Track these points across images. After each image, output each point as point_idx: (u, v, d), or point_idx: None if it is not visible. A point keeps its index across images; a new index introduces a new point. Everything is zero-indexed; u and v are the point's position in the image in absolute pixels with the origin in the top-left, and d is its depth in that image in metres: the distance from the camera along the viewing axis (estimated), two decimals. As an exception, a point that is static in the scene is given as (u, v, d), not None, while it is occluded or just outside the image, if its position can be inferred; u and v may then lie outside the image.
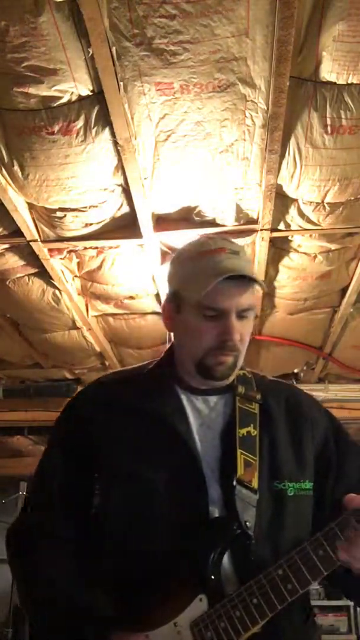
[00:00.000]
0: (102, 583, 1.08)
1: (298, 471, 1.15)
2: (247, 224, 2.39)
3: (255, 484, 1.09)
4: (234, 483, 1.08)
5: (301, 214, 2.32)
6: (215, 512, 1.08)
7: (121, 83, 1.69)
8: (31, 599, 1.14)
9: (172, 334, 1.27)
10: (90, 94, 1.77)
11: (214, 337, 1.13)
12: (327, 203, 2.23)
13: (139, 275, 2.83)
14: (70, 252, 2.63)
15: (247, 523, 1.06)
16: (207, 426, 1.16)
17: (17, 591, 1.22)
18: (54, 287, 2.95)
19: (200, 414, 1.18)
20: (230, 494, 1.08)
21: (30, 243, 2.51)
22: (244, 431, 1.15)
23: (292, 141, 1.94)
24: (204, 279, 1.10)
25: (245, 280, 1.13)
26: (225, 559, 1.05)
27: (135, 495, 1.10)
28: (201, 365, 1.15)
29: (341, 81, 1.72)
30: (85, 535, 1.14)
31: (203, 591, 1.01)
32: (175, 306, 1.19)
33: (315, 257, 2.66)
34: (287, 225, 2.41)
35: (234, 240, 1.31)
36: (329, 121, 1.83)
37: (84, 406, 1.25)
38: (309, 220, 2.35)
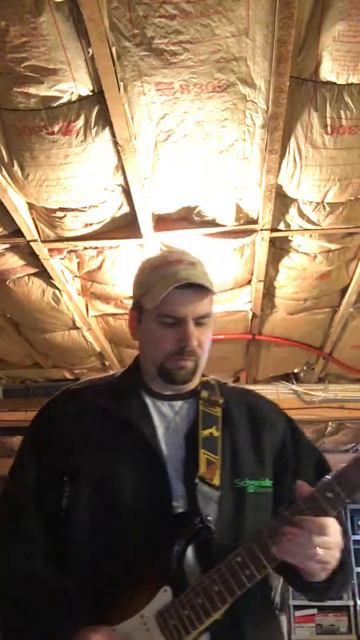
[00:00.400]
0: (71, 579, 1.13)
1: (258, 470, 1.24)
2: (247, 224, 2.39)
3: (216, 481, 1.17)
4: (196, 480, 1.16)
5: (301, 214, 2.32)
6: (179, 508, 1.15)
7: (121, 83, 1.69)
8: (0, 596, 1.18)
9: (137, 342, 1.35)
10: (90, 94, 1.77)
11: (172, 343, 1.21)
12: (327, 203, 2.23)
13: (139, 275, 2.83)
14: (70, 252, 2.63)
15: (209, 517, 1.12)
16: (172, 429, 1.25)
17: None
18: (54, 287, 2.95)
19: (166, 418, 1.26)
20: (193, 491, 1.15)
21: (30, 243, 2.51)
22: (206, 432, 1.23)
23: (292, 141, 1.94)
24: (161, 287, 1.19)
25: (201, 289, 1.20)
26: (189, 551, 1.11)
27: (103, 495, 1.17)
28: (162, 370, 1.24)
29: (341, 81, 1.72)
30: (55, 534, 1.18)
31: (167, 582, 1.08)
32: (137, 315, 1.29)
33: (315, 257, 2.66)
34: (287, 225, 2.41)
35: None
36: (329, 121, 1.83)
37: (55, 412, 1.32)
38: (309, 220, 2.35)
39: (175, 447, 1.21)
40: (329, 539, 1.03)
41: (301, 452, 1.31)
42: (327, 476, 1.06)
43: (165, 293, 1.17)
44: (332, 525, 1.04)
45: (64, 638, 1.03)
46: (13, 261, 2.72)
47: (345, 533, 1.12)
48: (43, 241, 2.50)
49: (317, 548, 1.01)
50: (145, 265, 1.31)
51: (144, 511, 1.14)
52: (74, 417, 1.26)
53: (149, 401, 1.28)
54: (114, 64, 1.63)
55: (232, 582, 1.04)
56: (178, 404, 1.29)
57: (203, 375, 1.33)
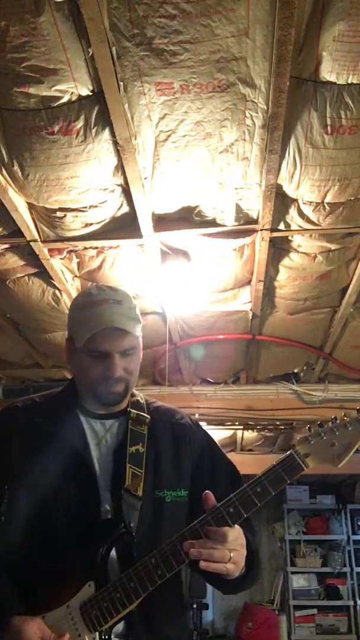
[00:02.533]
0: (6, 576, 1.27)
1: (176, 481, 1.40)
2: (247, 224, 2.39)
3: (139, 492, 1.33)
4: (122, 492, 1.31)
5: (301, 214, 2.32)
6: (107, 515, 1.31)
7: (121, 83, 1.69)
8: None
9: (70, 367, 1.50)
10: (90, 94, 1.77)
11: (100, 372, 1.36)
12: (327, 203, 2.23)
13: (139, 275, 2.83)
14: (70, 252, 2.63)
15: (131, 524, 1.29)
16: (103, 445, 1.40)
17: None
18: (54, 287, 2.95)
19: (97, 434, 1.41)
20: (118, 501, 1.31)
21: (30, 243, 2.51)
22: (133, 449, 1.38)
23: (292, 141, 1.94)
24: (88, 327, 1.34)
25: (122, 328, 1.34)
26: (112, 553, 1.27)
27: (38, 502, 1.31)
28: (95, 394, 1.39)
29: (341, 81, 1.72)
30: None
31: (92, 578, 1.24)
32: (71, 346, 1.43)
33: (315, 257, 2.66)
34: (287, 225, 2.41)
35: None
36: (329, 121, 1.83)
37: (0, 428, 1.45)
38: (309, 220, 2.35)
39: (104, 461, 1.37)
40: (229, 545, 1.18)
41: (216, 465, 1.48)
42: (231, 494, 1.22)
43: (89, 335, 1.32)
44: (231, 533, 1.19)
45: None
46: (13, 261, 2.72)
47: (253, 535, 1.35)
48: (43, 241, 2.50)
49: (219, 551, 1.17)
50: (76, 302, 1.47)
51: (75, 516, 1.30)
52: (13, 432, 1.40)
53: (82, 419, 1.42)
54: (114, 64, 1.63)
55: (146, 580, 1.21)
56: (109, 422, 1.43)
57: (132, 395, 1.48)
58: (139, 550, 1.27)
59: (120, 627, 1.24)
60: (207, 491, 1.23)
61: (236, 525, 1.21)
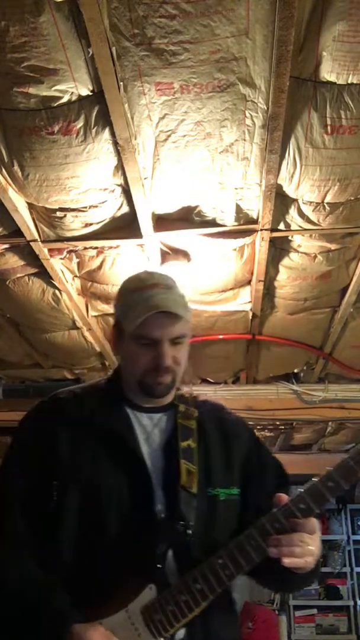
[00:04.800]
0: (59, 578, 1.20)
1: (228, 479, 1.35)
2: (247, 224, 2.39)
3: (194, 489, 1.28)
4: (178, 489, 1.26)
5: (301, 214, 2.32)
6: (160, 513, 1.25)
7: (121, 83, 1.69)
8: None
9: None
10: (90, 94, 1.77)
11: (149, 361, 1.30)
12: (327, 203, 2.23)
13: (139, 275, 2.83)
14: (70, 252, 2.63)
15: (190, 522, 1.24)
16: (152, 440, 1.34)
17: None
18: (54, 287, 2.95)
19: (145, 429, 1.35)
20: (175, 498, 1.25)
21: (30, 243, 2.51)
22: (185, 444, 1.33)
23: (292, 141, 1.94)
24: (137, 312, 1.28)
25: (175, 313, 1.29)
26: (169, 553, 1.22)
27: (91, 500, 1.24)
28: (142, 385, 1.33)
29: (341, 81, 1.72)
30: (42, 535, 1.24)
31: (152, 581, 1.18)
32: (118, 333, 1.38)
33: (315, 257, 2.66)
34: (287, 225, 2.41)
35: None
36: (329, 121, 1.83)
37: (42, 419, 1.38)
38: (309, 220, 2.35)
39: (154, 457, 1.31)
40: (316, 537, 1.18)
41: (264, 462, 1.44)
42: (299, 489, 1.19)
43: (141, 320, 1.26)
44: (317, 525, 1.18)
45: (58, 637, 1.10)
46: (13, 261, 2.72)
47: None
48: (43, 241, 2.50)
49: (303, 546, 1.15)
50: (125, 286, 1.41)
51: (129, 515, 1.23)
52: (60, 425, 1.33)
53: (129, 412, 1.36)
54: (114, 64, 1.63)
55: (213, 581, 1.15)
56: (157, 416, 1.38)
57: (178, 389, 1.43)
58: (196, 550, 1.22)
59: (181, 632, 1.18)
60: (280, 494, 1.20)
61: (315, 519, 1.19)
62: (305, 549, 1.15)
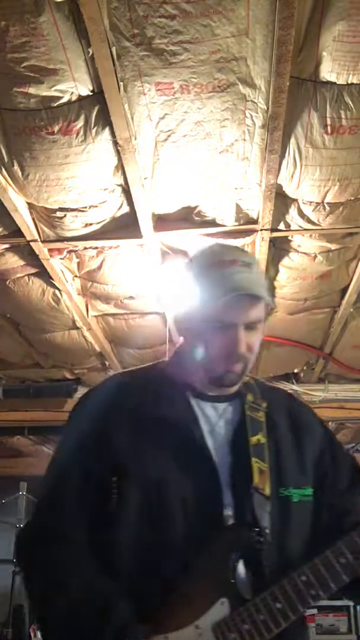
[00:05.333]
0: (119, 585, 1.07)
1: (301, 478, 1.19)
2: (247, 224, 2.39)
3: (267, 491, 1.13)
4: (251, 490, 1.11)
5: (301, 214, 2.32)
6: (229, 517, 1.10)
7: (121, 83, 1.69)
8: (48, 603, 1.10)
9: (181, 338, 1.29)
10: (90, 94, 1.77)
11: (222, 347, 1.15)
12: (327, 203, 2.23)
13: (139, 275, 2.83)
14: (70, 252, 2.63)
15: (266, 530, 1.09)
16: (217, 432, 1.18)
17: (29, 596, 1.17)
18: (54, 287, 2.95)
19: (210, 420, 1.20)
20: (246, 501, 1.11)
21: (30, 243, 2.51)
22: (255, 439, 1.17)
23: (292, 141, 1.94)
24: (215, 292, 1.12)
25: (256, 294, 1.14)
26: (240, 563, 1.07)
27: (155, 499, 1.10)
28: (210, 372, 1.18)
29: (341, 81, 1.72)
30: (100, 538, 1.12)
31: (224, 595, 1.04)
32: (185, 312, 1.22)
33: (315, 257, 2.66)
34: (287, 225, 2.41)
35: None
36: (329, 121, 1.83)
37: (99, 406, 1.23)
38: (309, 220, 2.35)
39: (220, 452, 1.16)
40: None
41: (338, 460, 1.28)
42: None
43: (221, 302, 1.11)
44: None
45: None
46: (13, 261, 2.72)
47: None
48: (43, 241, 2.50)
49: None
50: (198, 261, 1.23)
51: (195, 517, 1.10)
52: (118, 412, 1.19)
53: (192, 401, 1.21)
54: (114, 64, 1.63)
55: (296, 601, 1.02)
56: (222, 405, 1.22)
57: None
58: (270, 560, 1.08)
59: None
60: None
61: None
62: None
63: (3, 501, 5.52)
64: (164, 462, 1.12)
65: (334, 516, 1.16)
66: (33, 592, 1.15)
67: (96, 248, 2.60)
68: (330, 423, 4.80)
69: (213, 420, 1.20)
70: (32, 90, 1.73)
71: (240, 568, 1.08)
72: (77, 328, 3.43)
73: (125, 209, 2.30)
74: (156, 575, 1.07)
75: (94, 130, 1.87)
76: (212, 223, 2.39)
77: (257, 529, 1.08)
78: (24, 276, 2.89)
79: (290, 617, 1.01)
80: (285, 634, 1.05)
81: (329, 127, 1.85)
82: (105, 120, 1.84)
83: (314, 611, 6.46)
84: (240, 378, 1.20)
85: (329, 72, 1.68)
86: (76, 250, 2.62)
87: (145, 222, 2.33)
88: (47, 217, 2.36)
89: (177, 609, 1.04)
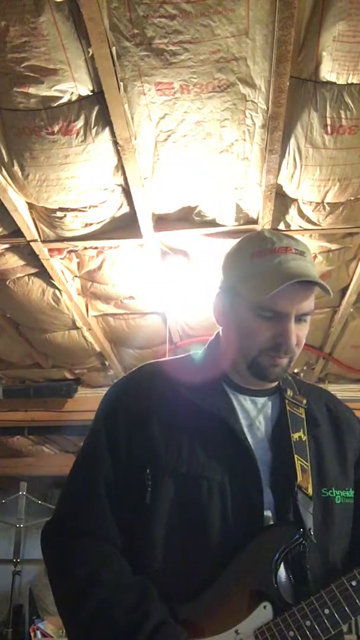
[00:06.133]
0: (153, 585, 1.03)
1: (343, 479, 1.15)
2: (247, 224, 2.39)
3: (310, 490, 1.08)
4: (295, 489, 1.07)
5: (301, 214, 2.32)
6: (269, 516, 1.06)
7: (121, 83, 1.69)
8: (80, 599, 1.03)
9: (221, 328, 1.23)
10: (90, 94, 1.77)
11: (269, 338, 1.09)
12: (327, 203, 2.23)
13: (139, 275, 2.83)
14: (70, 252, 2.63)
15: (311, 531, 1.04)
16: (256, 427, 1.14)
17: (56, 592, 1.10)
18: (54, 287, 2.95)
19: (249, 414, 1.15)
20: (289, 501, 1.06)
21: (30, 243, 2.51)
22: (296, 436, 1.13)
23: (292, 141, 1.94)
24: (269, 280, 1.06)
25: (309, 284, 1.09)
26: (282, 566, 1.03)
27: (191, 495, 1.06)
28: (255, 364, 1.12)
29: (341, 81, 1.72)
30: (133, 533, 1.08)
31: (267, 598, 0.99)
32: (229, 301, 1.15)
33: (315, 257, 2.66)
34: (287, 225, 2.41)
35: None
36: (329, 121, 1.83)
37: (132, 396, 1.18)
38: (309, 220, 2.35)
39: (259, 448, 1.11)
40: None
41: None
42: None
43: (278, 289, 1.04)
44: None
45: None
46: (13, 261, 2.72)
47: None
48: (43, 241, 2.50)
49: None
50: (245, 247, 1.15)
51: (234, 517, 1.05)
52: (153, 404, 1.13)
53: (231, 395, 1.16)
54: (114, 64, 1.63)
55: (346, 607, 0.97)
56: (261, 400, 1.17)
57: None
58: (312, 563, 1.04)
59: None
60: None
61: None
62: None
63: (3, 501, 5.53)
64: (200, 455, 1.07)
65: None
66: (62, 588, 1.09)
67: (96, 248, 2.60)
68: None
69: (252, 414, 1.15)
70: (32, 90, 1.73)
71: (282, 571, 1.03)
72: (77, 328, 3.44)
73: (125, 209, 2.30)
74: (192, 576, 1.02)
75: (94, 130, 1.87)
76: (212, 223, 2.39)
77: (301, 530, 1.04)
78: (24, 276, 2.89)
79: (339, 625, 0.97)
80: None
81: (329, 127, 1.85)
82: (105, 120, 1.84)
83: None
84: (284, 372, 1.14)
85: (329, 72, 1.68)
86: (76, 250, 2.62)
87: (145, 222, 2.33)
88: (47, 217, 2.36)
89: (215, 612, 1.00)
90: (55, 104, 1.79)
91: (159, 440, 1.09)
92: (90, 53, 1.62)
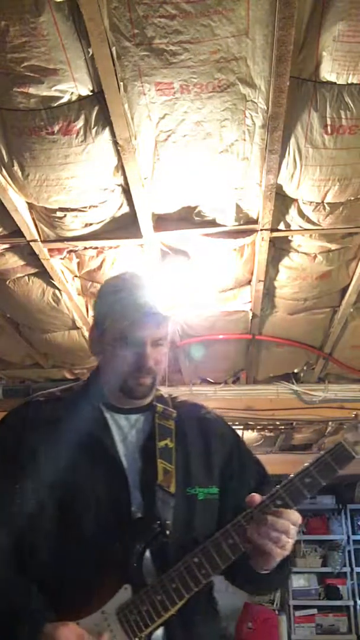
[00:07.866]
0: (34, 580, 1.21)
1: (207, 478, 1.35)
2: (247, 224, 2.39)
3: (172, 489, 1.28)
4: (155, 488, 1.26)
5: (301, 214, 2.32)
6: (137, 514, 1.25)
7: (121, 83, 1.69)
8: None
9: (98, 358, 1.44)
10: (90, 94, 1.77)
11: (131, 362, 1.30)
12: (327, 203, 2.23)
13: (139, 275, 2.83)
14: (70, 252, 2.63)
15: (167, 522, 1.24)
16: (129, 441, 1.34)
17: None
18: (54, 287, 2.95)
19: (123, 430, 1.36)
20: (152, 498, 1.26)
21: (30, 243, 2.51)
22: (162, 444, 1.33)
23: (292, 141, 1.94)
24: (122, 313, 1.30)
25: (158, 316, 1.31)
26: (147, 553, 1.22)
27: (67, 501, 1.25)
28: (123, 385, 1.33)
29: (341, 81, 1.72)
30: (16, 538, 1.24)
31: (128, 581, 1.18)
32: (98, 334, 1.37)
33: (315, 257, 2.66)
34: (287, 225, 2.41)
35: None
36: (329, 121, 1.83)
37: (19, 424, 1.37)
38: (309, 220, 2.35)
39: (131, 457, 1.32)
40: (295, 529, 1.18)
41: (244, 462, 1.44)
42: (277, 486, 1.20)
43: (127, 322, 1.28)
44: (297, 517, 1.19)
45: (32, 637, 1.12)
46: (13, 261, 2.72)
47: None
48: (43, 241, 2.50)
49: (285, 535, 1.16)
50: (107, 287, 1.42)
51: (105, 516, 1.24)
52: (36, 429, 1.33)
53: (107, 414, 1.37)
54: (114, 64, 1.63)
55: (189, 580, 1.16)
56: (134, 417, 1.38)
57: (157, 390, 1.43)
58: (174, 549, 1.22)
59: (159, 632, 1.19)
60: (252, 494, 1.21)
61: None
62: (281, 536, 1.15)
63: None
64: (76, 469, 1.27)
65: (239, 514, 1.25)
66: None
67: (96, 248, 2.60)
68: (330, 423, 4.81)
69: (125, 429, 1.36)
70: (32, 90, 1.73)
71: (147, 558, 1.21)
72: (77, 328, 3.44)
73: (125, 209, 2.30)
74: (69, 570, 1.20)
75: (94, 130, 1.87)
76: (212, 223, 2.39)
77: (158, 522, 1.22)
78: (24, 276, 2.89)
79: (184, 595, 1.16)
80: (191, 618, 1.21)
81: (329, 127, 1.85)
82: (105, 120, 1.84)
83: (314, 611, 6.47)
84: (150, 390, 1.36)
85: (329, 72, 1.68)
86: (76, 250, 2.62)
87: (145, 222, 2.33)
88: (47, 217, 2.36)
89: (88, 599, 1.18)
90: (55, 104, 1.79)
91: (40, 460, 1.28)
92: (90, 53, 1.62)
